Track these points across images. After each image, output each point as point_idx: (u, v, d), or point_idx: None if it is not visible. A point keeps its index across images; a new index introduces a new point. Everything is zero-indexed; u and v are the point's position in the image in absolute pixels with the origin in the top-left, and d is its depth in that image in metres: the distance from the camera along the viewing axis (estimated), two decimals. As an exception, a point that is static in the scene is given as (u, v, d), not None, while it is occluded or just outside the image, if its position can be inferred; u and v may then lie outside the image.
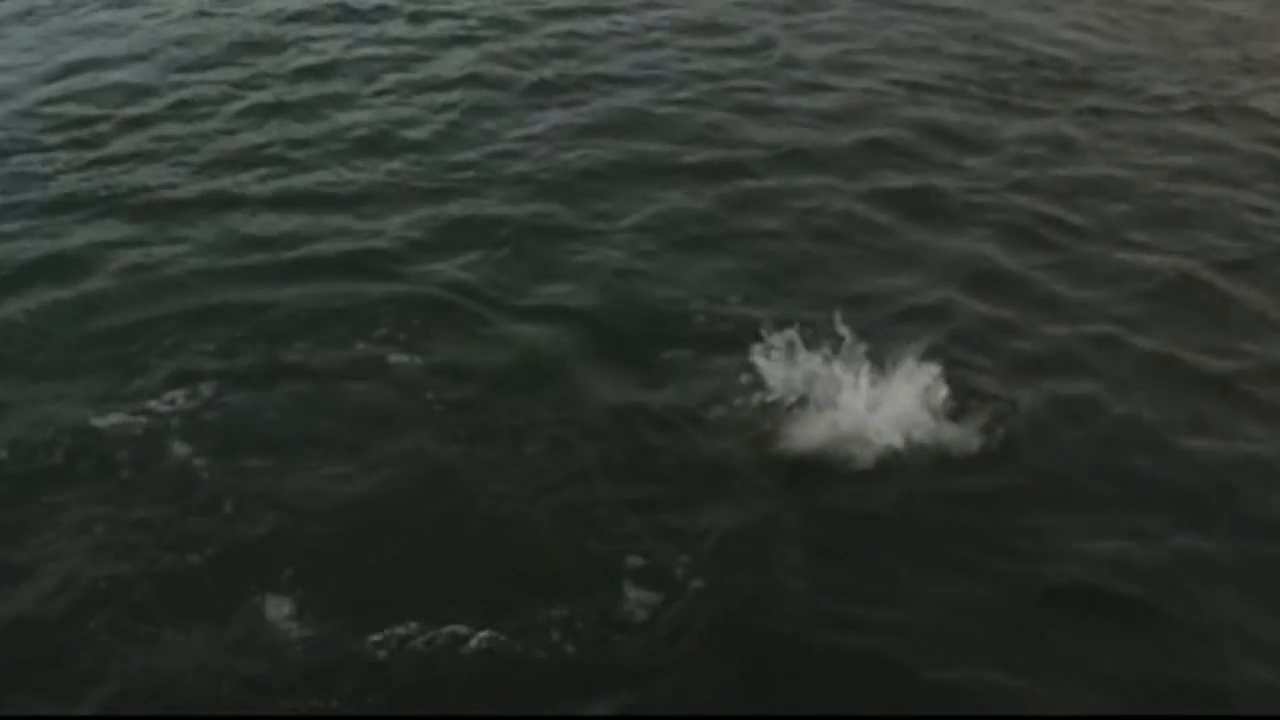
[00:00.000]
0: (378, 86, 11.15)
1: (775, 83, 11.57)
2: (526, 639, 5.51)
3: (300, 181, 9.47)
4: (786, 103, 11.17)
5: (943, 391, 6.87)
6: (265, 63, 11.62)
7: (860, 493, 6.49)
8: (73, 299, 7.81)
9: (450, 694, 5.33)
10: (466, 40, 12.27)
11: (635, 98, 11.05)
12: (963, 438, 6.78)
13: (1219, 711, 5.52)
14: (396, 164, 9.72)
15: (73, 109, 10.54)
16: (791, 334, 7.00)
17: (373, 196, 9.23)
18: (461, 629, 5.52)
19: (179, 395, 6.93)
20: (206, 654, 5.45)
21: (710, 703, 5.36)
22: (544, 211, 9.08)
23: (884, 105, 11.23)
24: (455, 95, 10.92)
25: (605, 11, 13.10)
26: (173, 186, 9.31)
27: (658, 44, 12.34)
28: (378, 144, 10.04)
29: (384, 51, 11.94)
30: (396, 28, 12.58)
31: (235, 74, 11.35)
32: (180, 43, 12.06)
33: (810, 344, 6.99)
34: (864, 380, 6.85)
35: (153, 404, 6.87)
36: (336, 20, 12.72)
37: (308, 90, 11.05)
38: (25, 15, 12.87)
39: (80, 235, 8.60)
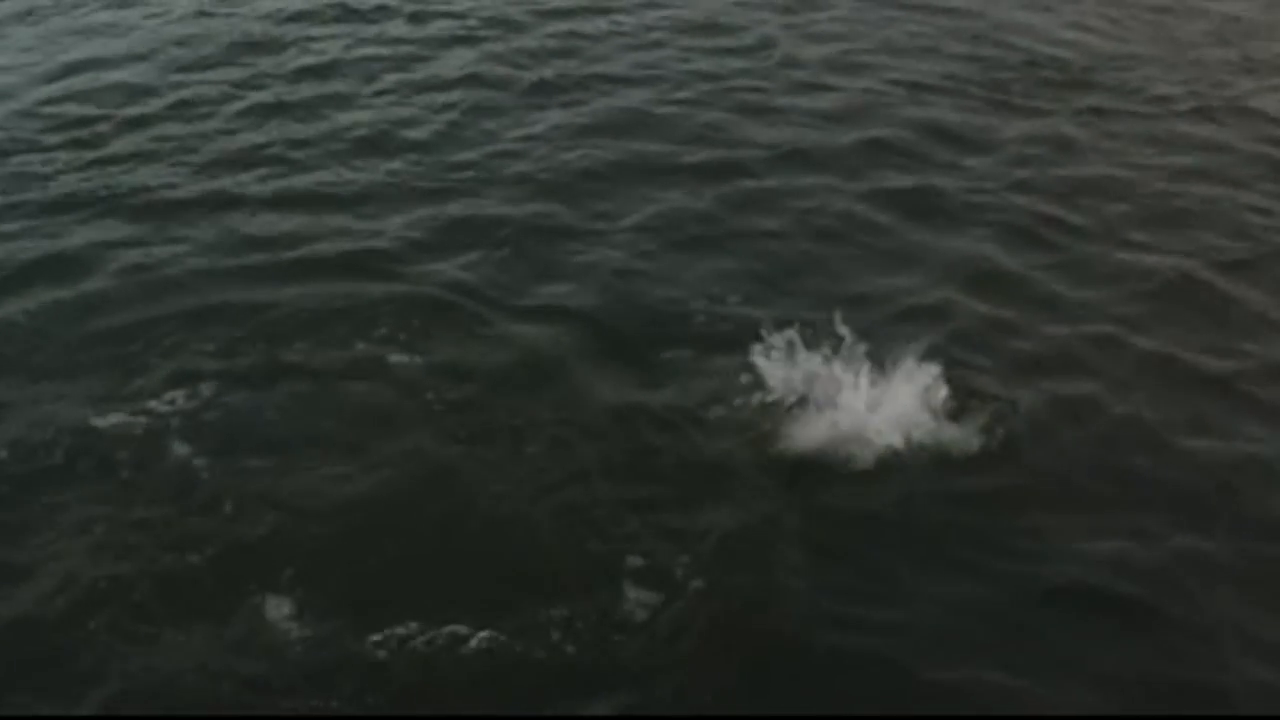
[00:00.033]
0: (378, 86, 11.15)
1: (775, 83, 11.57)
2: (526, 639, 5.52)
3: (300, 181, 9.47)
4: (786, 103, 11.17)
5: (943, 391, 6.87)
6: (265, 63, 11.62)
7: (860, 493, 6.49)
8: (73, 299, 7.81)
9: (450, 694, 5.33)
10: (466, 40, 12.27)
11: (635, 98, 11.05)
12: (963, 438, 6.78)
13: (1219, 711, 5.52)
14: (396, 164, 9.72)
15: (73, 109, 10.54)
16: (791, 334, 7.00)
17: (373, 196, 9.24)
18: (461, 629, 5.52)
19: (179, 395, 6.93)
20: (206, 654, 5.45)
21: (710, 703, 5.36)
22: (544, 211, 9.08)
23: (884, 105, 11.22)
24: (455, 95, 10.92)
25: (605, 11, 13.10)
26: (173, 186, 9.31)
27: (658, 44, 12.34)
28: (378, 144, 10.05)
29: (384, 51, 11.95)
30: (396, 28, 12.58)
31: (235, 74, 11.35)
32: (180, 43, 12.06)
33: (810, 344, 6.99)
34: (864, 380, 6.85)
35: (153, 404, 6.87)
36: (336, 20, 12.73)
37: (308, 90, 11.05)
38: (25, 15, 12.87)
39: (80, 235, 8.60)
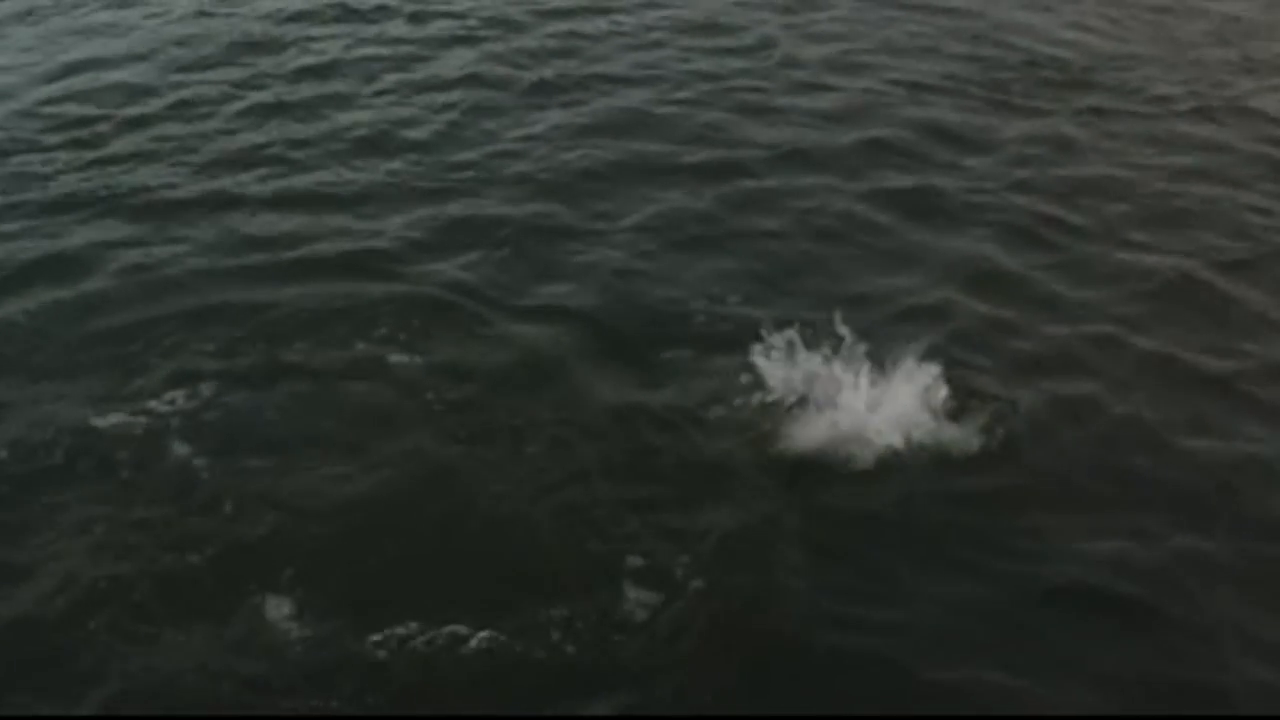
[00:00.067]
0: (378, 86, 11.15)
1: (775, 83, 11.57)
2: (526, 639, 5.51)
3: (300, 181, 9.47)
4: (786, 103, 11.17)
5: (943, 391, 6.87)
6: (265, 63, 11.62)
7: (860, 493, 6.49)
8: (73, 299, 7.81)
9: (450, 694, 5.33)
10: (466, 40, 12.27)
11: (635, 98, 11.05)
12: (962, 438, 6.78)
13: (1219, 711, 5.52)
14: (396, 164, 9.72)
15: (73, 109, 10.54)
16: (791, 334, 7.00)
17: (373, 196, 9.23)
18: (461, 629, 5.52)
19: (179, 395, 6.93)
20: (206, 654, 5.45)
21: (710, 703, 5.36)
22: (544, 211, 9.08)
23: (884, 105, 11.22)
24: (455, 95, 10.92)
25: (605, 11, 13.11)
26: (173, 186, 9.31)
27: (658, 44, 12.34)
28: (378, 144, 10.05)
29: (384, 51, 11.95)
30: (396, 28, 12.58)
31: (235, 74, 11.35)
32: (180, 43, 12.06)
33: (810, 344, 6.99)
34: (864, 380, 6.85)
35: (153, 404, 6.87)
36: (336, 20, 12.73)
37: (308, 90, 11.05)
38: (25, 15, 12.87)
39: (80, 235, 8.60)
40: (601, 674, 5.42)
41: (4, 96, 10.81)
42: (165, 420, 6.76)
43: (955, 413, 6.88)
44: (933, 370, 6.90)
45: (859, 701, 5.40)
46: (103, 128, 10.21)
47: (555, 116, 10.62)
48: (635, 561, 5.92)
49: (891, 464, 6.61)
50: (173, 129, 10.24)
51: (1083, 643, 5.77)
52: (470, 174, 9.59)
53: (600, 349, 7.52)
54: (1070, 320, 8.12)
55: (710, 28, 12.87)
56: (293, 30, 12.43)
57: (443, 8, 13.10)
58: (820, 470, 6.58)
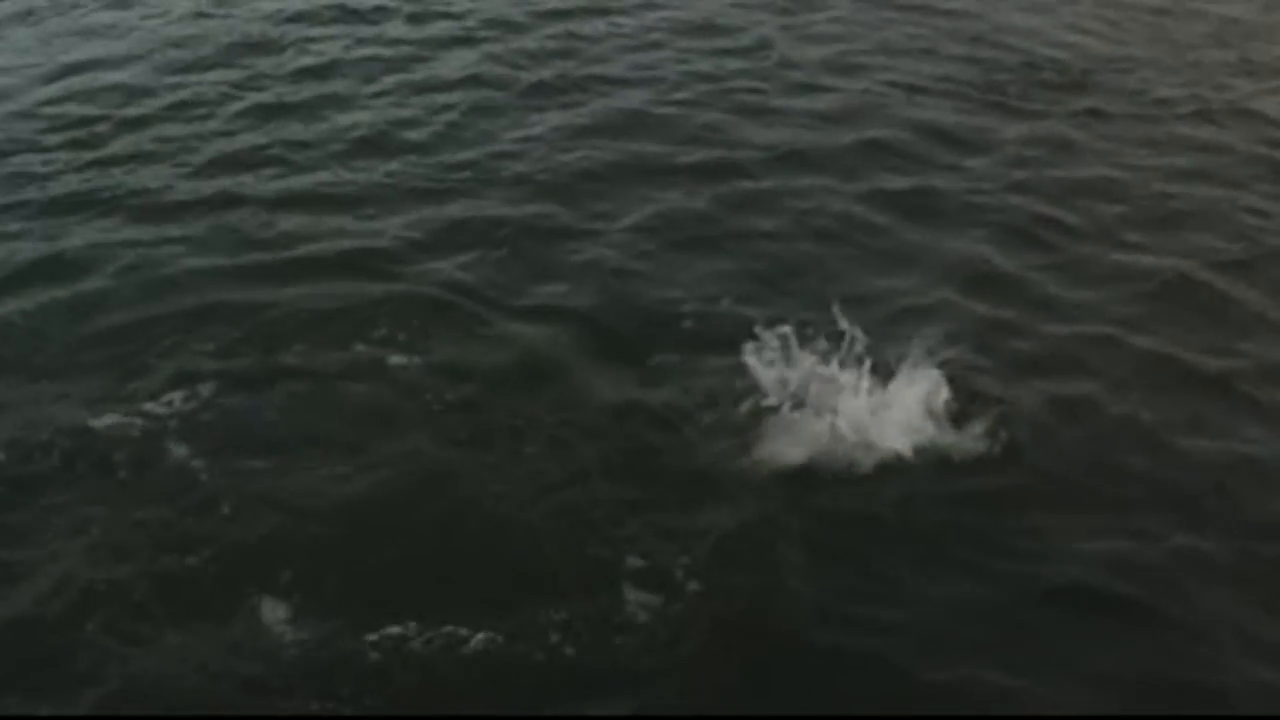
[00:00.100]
0: (377, 87, 11.15)
1: (773, 84, 11.57)
2: (526, 640, 5.51)
3: (299, 182, 9.47)
4: (784, 104, 11.17)
5: (942, 392, 6.86)
6: (264, 63, 11.62)
7: (860, 493, 6.48)
8: (71, 299, 7.80)
9: (450, 694, 5.33)
10: (466, 41, 12.28)
11: (633, 99, 11.06)
12: (962, 438, 6.78)
13: (1218, 711, 5.52)
14: (395, 164, 9.71)
15: (73, 109, 10.54)
16: (789, 335, 6.99)
17: (372, 197, 9.23)
18: (461, 629, 5.52)
19: (178, 396, 6.92)
20: (205, 655, 5.44)
21: (711, 703, 5.36)
22: (543, 212, 9.08)
23: (882, 106, 11.23)
24: (454, 96, 10.92)
25: (604, 13, 13.12)
26: (172, 186, 9.31)
27: (656, 45, 12.35)
28: (377, 144, 10.05)
29: (384, 52, 11.95)
30: (396, 28, 12.58)
31: (234, 75, 11.35)
32: (179, 43, 12.06)
33: (808, 345, 6.99)
34: (863, 382, 6.84)
35: (151, 404, 6.86)
36: (336, 21, 12.73)
37: (307, 91, 11.05)
38: (25, 16, 12.88)
39: (79, 235, 8.59)
40: (601, 675, 5.41)
41: (3, 97, 10.81)
42: (164, 421, 6.75)
43: (954, 413, 6.88)
44: (932, 371, 6.90)
45: (859, 701, 5.40)
46: (102, 128, 10.21)
47: (554, 117, 10.62)
48: (635, 562, 5.92)
49: (891, 465, 6.60)
50: (172, 129, 10.24)
51: (1082, 643, 5.77)
52: (469, 174, 9.59)
53: (599, 349, 7.52)
54: (1068, 321, 8.12)
55: (708, 29, 12.88)
56: (292, 31, 12.43)
57: (442, 9, 13.11)
58: (820, 471, 6.57)
